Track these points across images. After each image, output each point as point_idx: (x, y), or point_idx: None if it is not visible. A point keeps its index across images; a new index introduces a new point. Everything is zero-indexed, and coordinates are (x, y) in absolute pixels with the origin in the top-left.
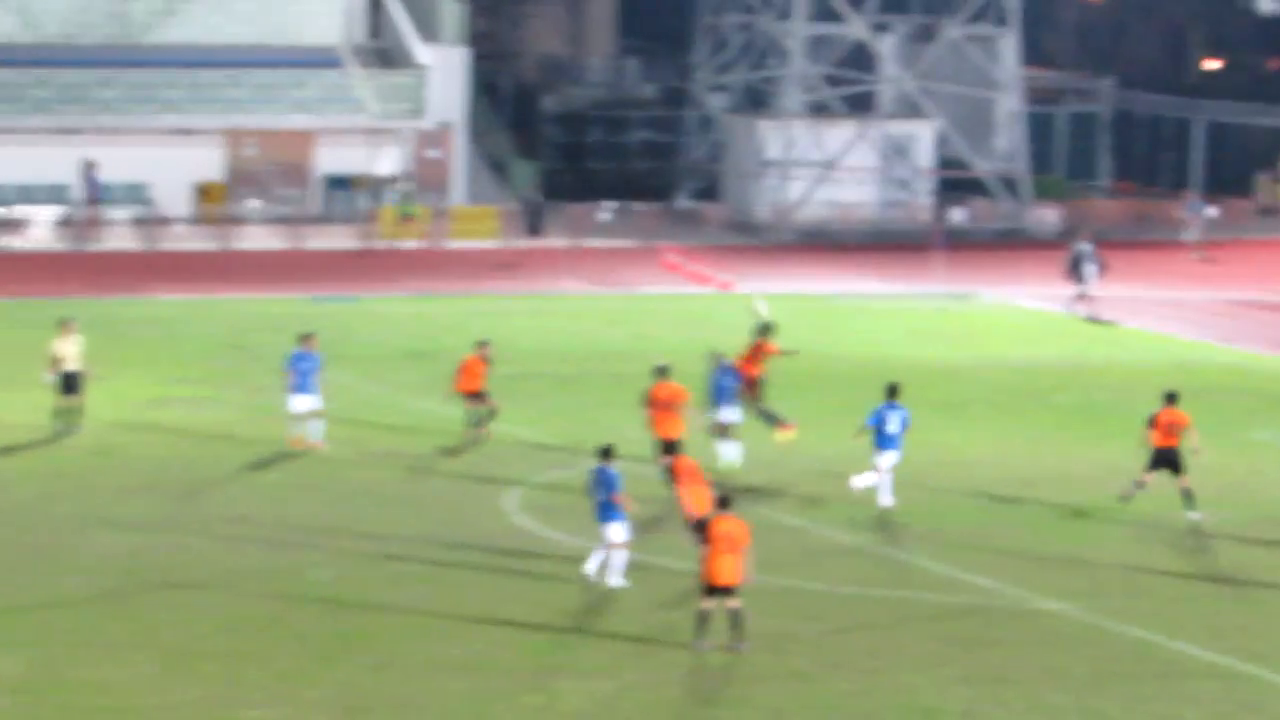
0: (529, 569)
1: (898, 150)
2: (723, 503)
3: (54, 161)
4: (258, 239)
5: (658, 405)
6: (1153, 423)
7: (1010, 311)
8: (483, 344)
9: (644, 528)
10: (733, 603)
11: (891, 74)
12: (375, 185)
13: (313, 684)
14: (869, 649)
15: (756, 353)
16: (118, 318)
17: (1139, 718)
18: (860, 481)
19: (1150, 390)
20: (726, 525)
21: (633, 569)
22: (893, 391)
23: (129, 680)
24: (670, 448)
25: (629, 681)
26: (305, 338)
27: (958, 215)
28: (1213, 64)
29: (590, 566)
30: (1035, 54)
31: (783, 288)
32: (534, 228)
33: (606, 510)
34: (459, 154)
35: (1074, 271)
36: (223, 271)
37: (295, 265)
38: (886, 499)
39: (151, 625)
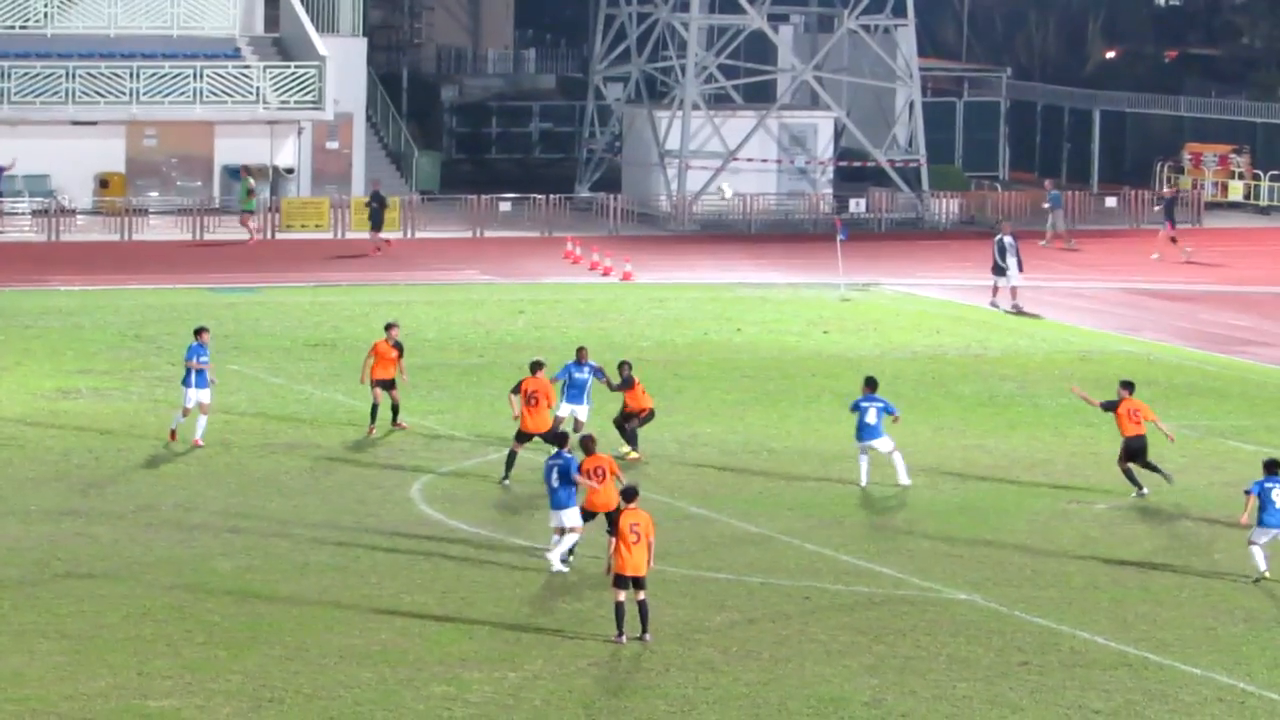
0: (435, 559)
1: (797, 141)
2: (628, 495)
3: None
4: (158, 230)
5: (527, 397)
6: (1113, 409)
7: (910, 301)
8: (391, 325)
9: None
10: (641, 594)
11: (790, 65)
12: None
13: (222, 674)
14: (777, 638)
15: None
16: (19, 309)
17: (1047, 707)
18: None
19: (1052, 380)
20: (632, 517)
21: (535, 558)
22: (871, 384)
23: (37, 670)
24: (528, 439)
25: (536, 671)
26: (199, 331)
27: (858, 205)
28: (1110, 54)
29: (554, 556)
30: (933, 45)
31: (684, 278)
32: (376, 222)
33: (564, 497)
34: (358, 145)
35: (998, 265)
36: (124, 262)
37: (195, 255)
38: (903, 479)
39: (59, 615)
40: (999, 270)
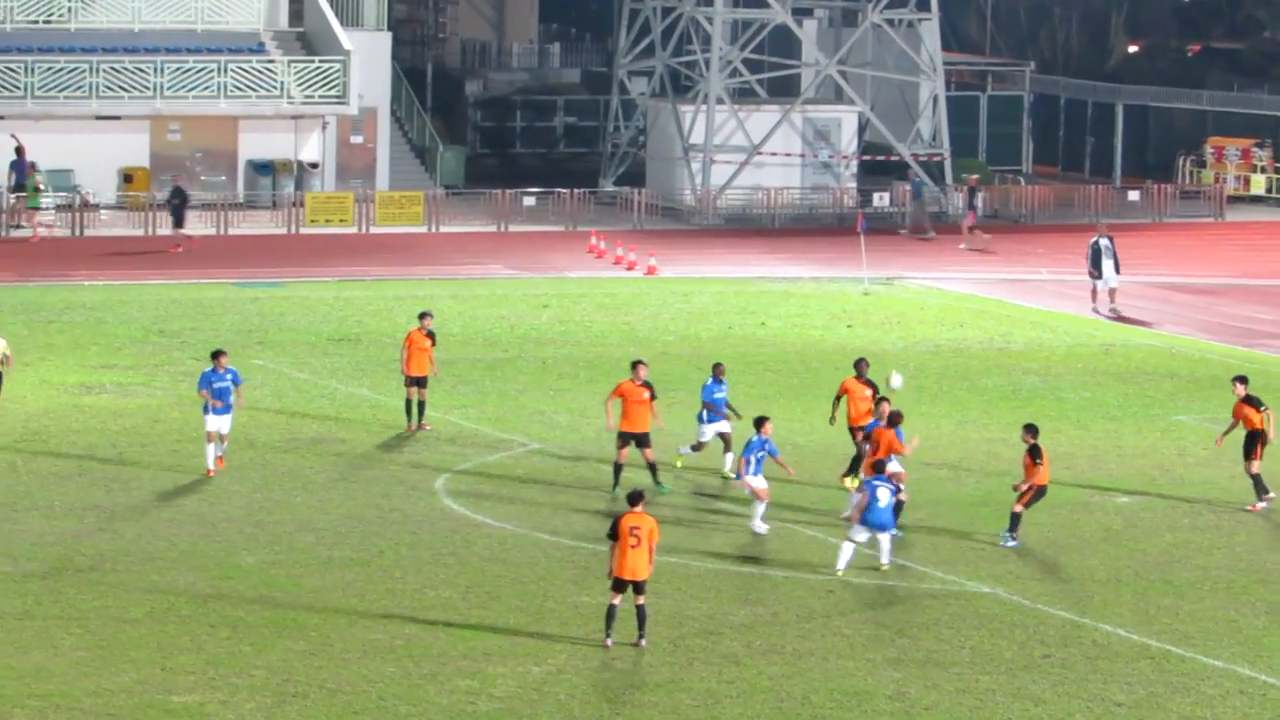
0: (460, 554)
1: (821, 135)
2: (632, 499)
3: None
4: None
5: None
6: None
7: (934, 295)
8: (424, 315)
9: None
10: (640, 598)
11: (814, 59)
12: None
13: (245, 669)
14: (800, 632)
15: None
16: (43, 304)
17: (1069, 699)
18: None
19: (1075, 373)
20: (634, 520)
21: (569, 554)
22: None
23: (60, 666)
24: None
25: (560, 665)
26: (216, 355)
27: (882, 200)
28: (1133, 49)
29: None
30: (957, 39)
31: (708, 272)
32: (177, 219)
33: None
34: (383, 140)
35: (1094, 267)
36: (147, 257)
37: (220, 250)
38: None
39: (82, 610)
40: (1095, 273)
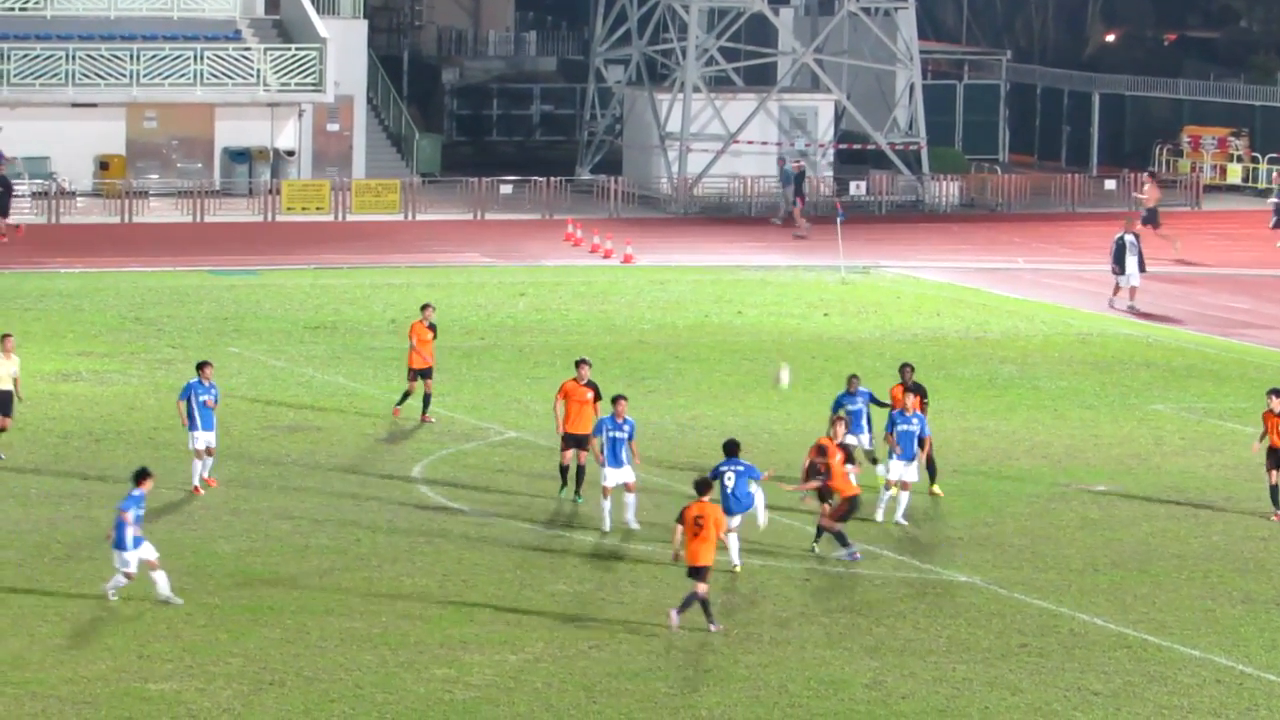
0: (436, 541)
1: (797, 123)
2: (700, 488)
3: None
4: (159, 212)
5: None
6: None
7: (910, 284)
8: (426, 306)
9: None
10: (701, 586)
11: (790, 48)
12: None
13: (222, 657)
14: (777, 620)
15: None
16: (19, 291)
17: (1046, 689)
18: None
19: (1052, 363)
20: (699, 510)
21: (547, 542)
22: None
23: (37, 654)
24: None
25: (537, 654)
26: (202, 366)
27: (858, 188)
28: (1110, 38)
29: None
30: (933, 28)
31: (685, 260)
32: (2, 209)
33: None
34: (359, 128)
35: (1117, 263)
36: (124, 244)
37: (195, 238)
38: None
39: (59, 598)
40: (1119, 269)
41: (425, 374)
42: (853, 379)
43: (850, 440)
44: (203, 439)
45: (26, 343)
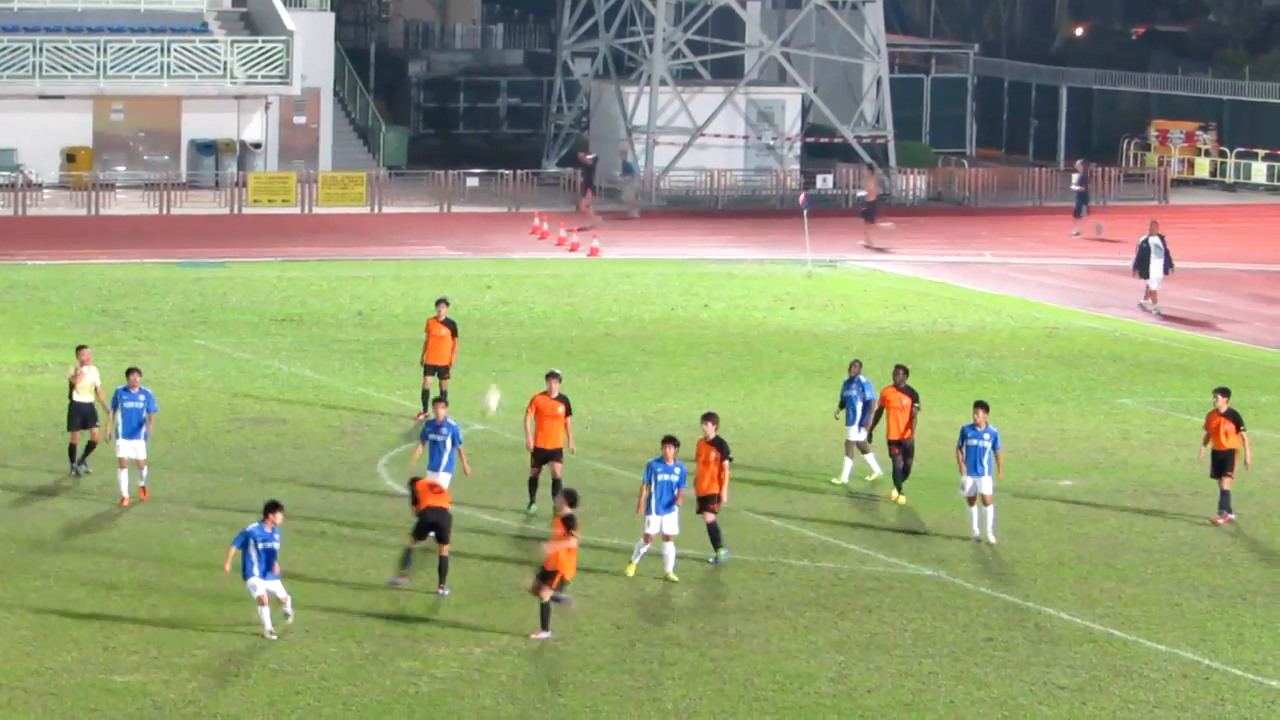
0: (401, 534)
1: (764, 117)
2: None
3: None
4: (125, 204)
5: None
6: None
7: (877, 278)
8: (440, 301)
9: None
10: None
11: (758, 41)
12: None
13: (188, 649)
14: (742, 615)
15: None
16: None
17: (1012, 683)
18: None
19: (1018, 356)
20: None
21: (511, 534)
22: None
23: (2, 645)
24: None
25: (503, 646)
26: (130, 372)
27: (825, 182)
28: (1078, 31)
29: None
30: (901, 21)
31: (651, 253)
32: None
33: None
34: (326, 120)
35: (1140, 266)
36: (91, 236)
37: (163, 230)
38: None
39: (24, 590)
40: (1141, 273)
41: (437, 371)
42: (854, 364)
43: (853, 434)
44: (126, 448)
45: None
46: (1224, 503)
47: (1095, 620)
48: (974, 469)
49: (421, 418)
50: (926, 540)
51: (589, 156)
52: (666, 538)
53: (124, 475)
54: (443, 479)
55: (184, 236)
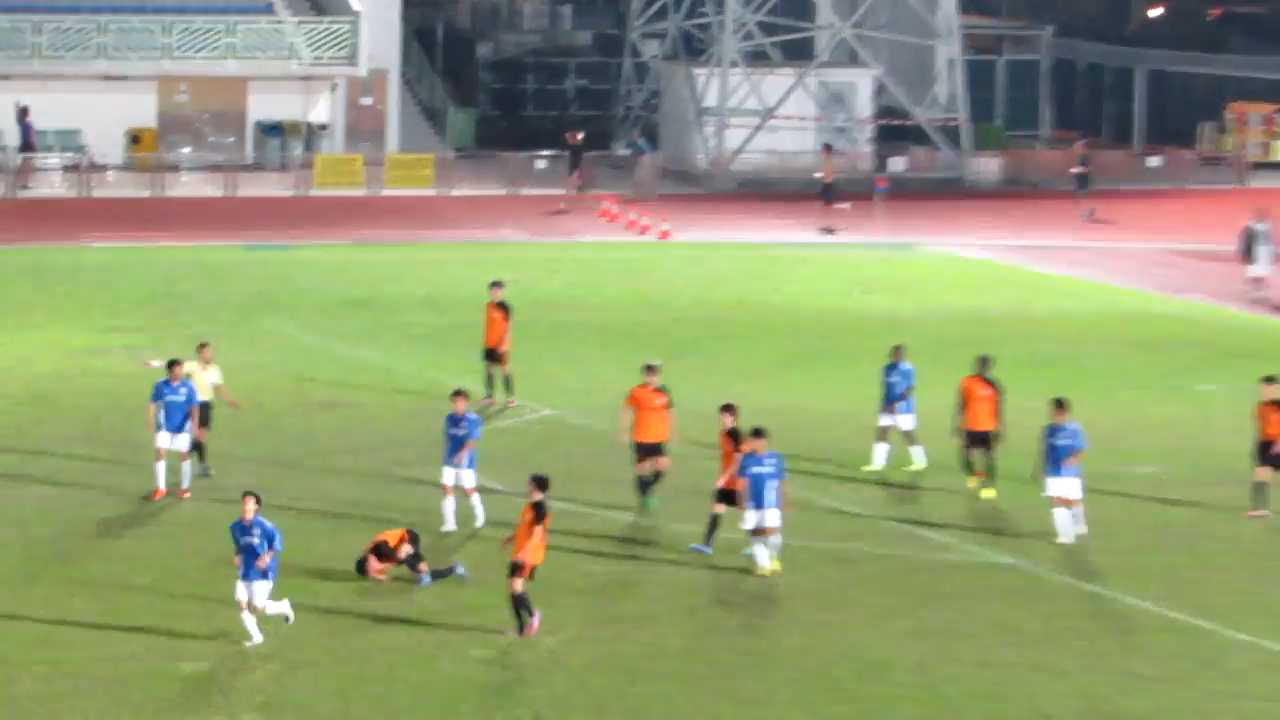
0: (470, 521)
1: (836, 99)
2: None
3: None
4: (191, 186)
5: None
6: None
7: (951, 261)
8: (495, 284)
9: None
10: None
11: (829, 22)
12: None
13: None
14: (819, 603)
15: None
16: (50, 265)
17: (1093, 673)
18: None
19: (1097, 341)
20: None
21: (582, 521)
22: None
23: (67, 632)
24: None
25: (575, 635)
26: (172, 364)
27: (898, 165)
28: (1154, 12)
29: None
30: (974, 1)
31: (722, 237)
32: None
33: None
34: (393, 101)
35: (1246, 253)
36: (156, 219)
37: (229, 212)
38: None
39: (90, 576)
40: (1245, 259)
41: (495, 356)
42: (897, 349)
43: (887, 420)
44: (165, 439)
45: (57, 318)
46: (1261, 495)
47: (1177, 610)
48: (1055, 469)
49: (488, 403)
50: (1005, 529)
51: (577, 135)
52: (764, 531)
53: (161, 467)
54: (467, 477)
55: (250, 219)
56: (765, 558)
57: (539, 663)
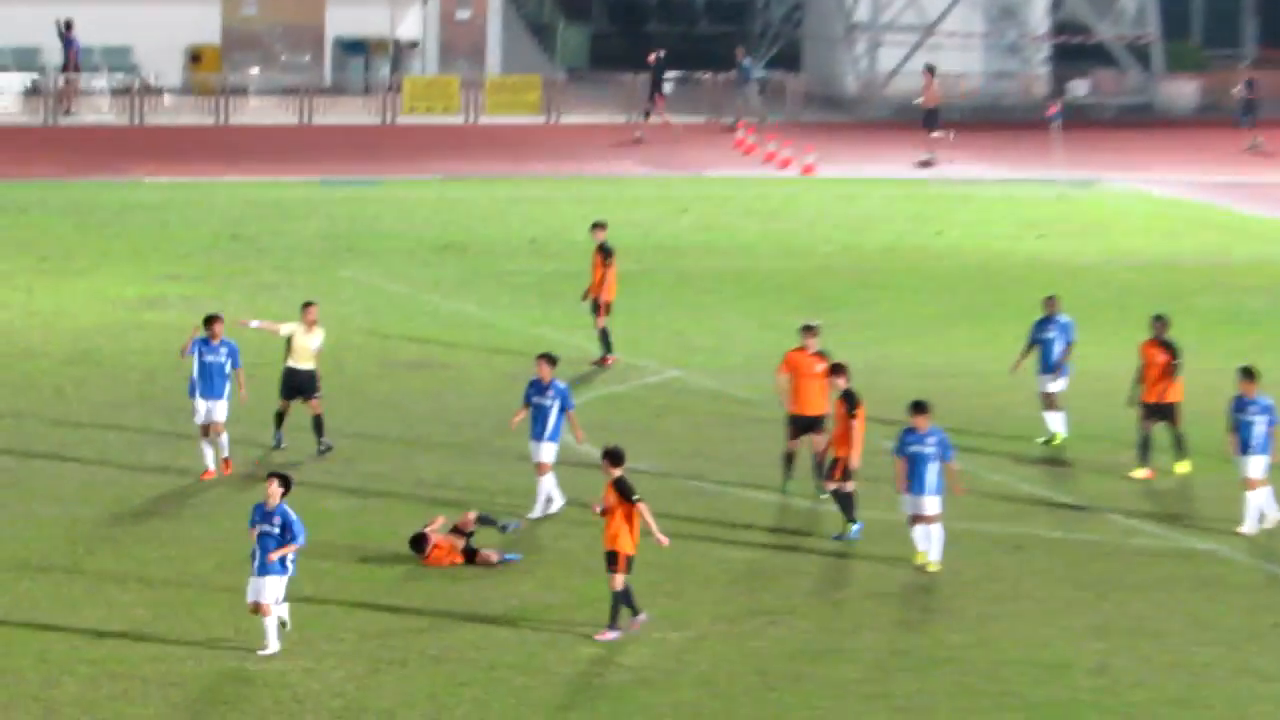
0: (584, 500)
1: (1007, 12)
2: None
3: (22, 22)
4: (259, 113)
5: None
6: None
7: (1140, 200)
8: (596, 225)
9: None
10: None
11: None
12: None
13: (334, 632)
14: (985, 594)
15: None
16: (97, 203)
17: None
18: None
19: None
20: None
21: (712, 502)
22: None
23: (116, 626)
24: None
25: (703, 631)
26: (211, 320)
27: (1078, 89)
28: None
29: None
30: None
31: (874, 172)
32: None
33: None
34: (493, 15)
35: None
36: (219, 150)
37: (303, 143)
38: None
39: (142, 562)
40: None
41: (594, 307)
42: (1050, 300)
43: (1048, 383)
44: (204, 411)
45: (105, 263)
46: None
47: None
48: (1244, 447)
49: (610, 362)
50: (1204, 507)
51: (656, 53)
52: (922, 519)
53: (206, 446)
54: (546, 451)
55: (328, 151)
56: (926, 542)
57: (661, 663)
